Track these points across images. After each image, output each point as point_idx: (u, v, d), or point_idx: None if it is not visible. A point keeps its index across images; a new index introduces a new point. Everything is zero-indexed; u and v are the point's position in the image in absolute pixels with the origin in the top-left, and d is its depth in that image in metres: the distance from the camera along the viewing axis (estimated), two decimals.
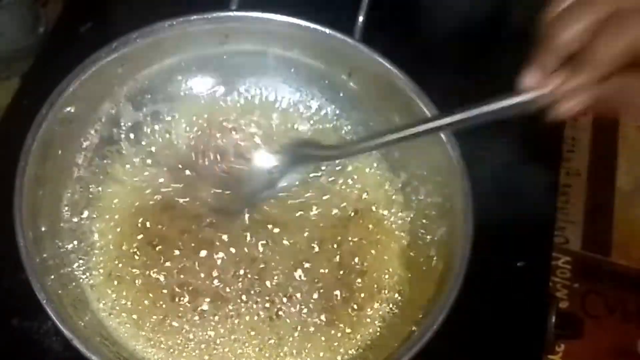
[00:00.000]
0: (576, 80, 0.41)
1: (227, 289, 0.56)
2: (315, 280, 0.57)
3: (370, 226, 0.60)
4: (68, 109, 0.55)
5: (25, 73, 0.75)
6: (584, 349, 1.02)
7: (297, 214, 0.59)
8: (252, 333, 0.55)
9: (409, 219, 0.60)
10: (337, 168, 0.61)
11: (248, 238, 0.58)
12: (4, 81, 0.94)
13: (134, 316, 0.54)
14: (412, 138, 0.50)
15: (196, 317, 0.55)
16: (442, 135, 0.55)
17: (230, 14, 0.59)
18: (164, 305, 0.55)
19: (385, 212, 0.60)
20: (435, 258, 0.56)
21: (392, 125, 0.61)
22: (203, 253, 0.57)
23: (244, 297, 0.56)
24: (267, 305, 0.56)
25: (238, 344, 0.54)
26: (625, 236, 1.17)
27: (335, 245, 0.59)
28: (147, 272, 0.56)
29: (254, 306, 0.56)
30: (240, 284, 0.56)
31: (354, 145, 0.58)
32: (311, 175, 0.60)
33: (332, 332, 0.55)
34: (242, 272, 0.57)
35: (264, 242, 0.58)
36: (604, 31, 0.40)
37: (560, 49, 0.42)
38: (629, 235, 1.17)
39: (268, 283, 0.57)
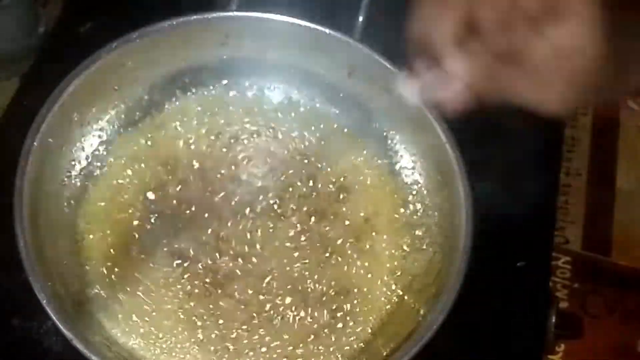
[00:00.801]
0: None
1: (229, 290, 0.56)
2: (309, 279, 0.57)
3: (370, 226, 0.60)
4: (68, 109, 0.55)
5: (25, 73, 0.75)
6: (584, 348, 1.02)
7: (294, 212, 0.60)
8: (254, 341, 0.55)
9: (409, 219, 0.60)
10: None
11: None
12: (4, 81, 0.94)
13: (134, 316, 0.54)
14: None
15: (196, 319, 0.55)
16: (442, 136, 0.55)
17: (230, 14, 0.59)
18: (163, 306, 0.55)
19: (385, 213, 0.60)
20: (435, 258, 0.56)
21: (391, 124, 0.61)
22: (204, 256, 0.57)
23: (242, 306, 0.56)
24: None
25: (238, 346, 0.55)
26: (625, 236, 1.17)
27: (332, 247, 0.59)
28: (149, 273, 0.56)
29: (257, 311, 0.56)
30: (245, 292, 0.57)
31: None
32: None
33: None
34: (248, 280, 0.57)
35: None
36: None
37: (429, 51, 0.43)
38: (629, 235, 1.17)
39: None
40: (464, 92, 0.42)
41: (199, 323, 0.55)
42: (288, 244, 0.58)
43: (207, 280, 0.56)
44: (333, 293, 0.57)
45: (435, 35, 0.42)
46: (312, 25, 0.58)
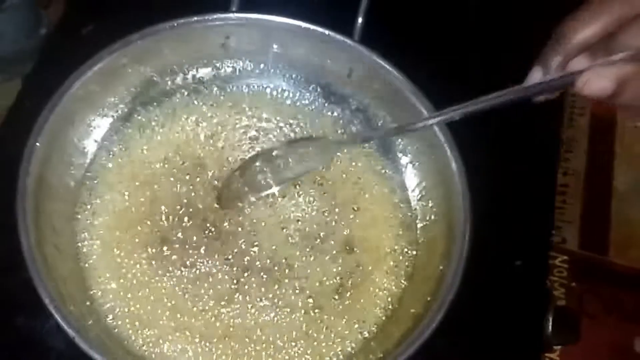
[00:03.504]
0: (604, 61, 0.43)
1: (233, 286, 0.57)
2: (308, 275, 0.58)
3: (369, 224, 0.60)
4: (70, 110, 0.56)
5: (28, 74, 0.75)
6: (581, 348, 1.02)
7: (296, 213, 0.60)
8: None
9: (406, 218, 0.61)
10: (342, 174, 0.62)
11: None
12: (6, 82, 0.94)
13: (137, 314, 0.55)
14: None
15: (199, 316, 0.55)
16: (441, 136, 0.55)
17: (231, 15, 0.59)
18: (167, 304, 0.55)
19: (385, 212, 0.61)
20: (434, 257, 0.57)
21: (391, 124, 0.62)
22: (205, 252, 0.58)
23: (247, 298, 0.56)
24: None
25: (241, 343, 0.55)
26: (623, 236, 1.17)
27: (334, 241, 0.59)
28: (150, 272, 0.56)
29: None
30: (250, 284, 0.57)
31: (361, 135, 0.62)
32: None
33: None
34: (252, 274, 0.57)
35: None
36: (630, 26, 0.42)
37: (573, 47, 0.44)
38: (627, 234, 1.17)
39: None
40: (611, 79, 0.42)
41: (208, 325, 0.55)
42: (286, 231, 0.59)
43: (219, 285, 0.56)
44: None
45: (587, 35, 0.43)
46: (312, 26, 0.58)
